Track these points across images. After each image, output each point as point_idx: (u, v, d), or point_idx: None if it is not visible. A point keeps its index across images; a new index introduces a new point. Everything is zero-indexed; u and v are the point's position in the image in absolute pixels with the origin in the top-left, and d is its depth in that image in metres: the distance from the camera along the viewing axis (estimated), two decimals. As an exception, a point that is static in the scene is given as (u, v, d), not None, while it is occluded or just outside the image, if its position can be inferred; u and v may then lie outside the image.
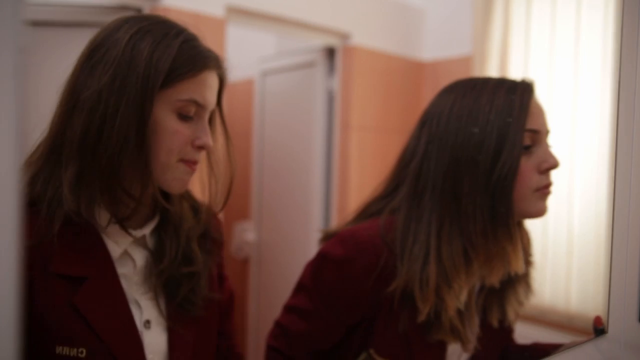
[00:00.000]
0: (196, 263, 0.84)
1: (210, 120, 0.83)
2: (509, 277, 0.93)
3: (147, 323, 0.81)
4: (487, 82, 0.91)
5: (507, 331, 1.03)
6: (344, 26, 2.37)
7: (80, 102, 0.74)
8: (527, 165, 0.87)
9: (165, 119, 0.75)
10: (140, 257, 0.82)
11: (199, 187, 0.87)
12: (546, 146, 0.90)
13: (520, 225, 0.97)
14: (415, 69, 2.62)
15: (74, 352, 0.74)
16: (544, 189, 0.89)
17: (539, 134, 0.89)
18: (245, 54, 2.84)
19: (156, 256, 0.82)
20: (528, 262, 0.99)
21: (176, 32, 0.78)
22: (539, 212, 0.90)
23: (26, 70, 0.34)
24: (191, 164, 0.78)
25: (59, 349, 0.74)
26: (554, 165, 0.89)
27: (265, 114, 2.83)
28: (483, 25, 2.37)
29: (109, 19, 0.85)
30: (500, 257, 0.88)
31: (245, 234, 2.88)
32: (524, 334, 1.12)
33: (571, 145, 2.02)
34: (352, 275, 0.91)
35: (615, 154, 1.16)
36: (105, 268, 0.78)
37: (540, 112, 0.90)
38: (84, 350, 0.74)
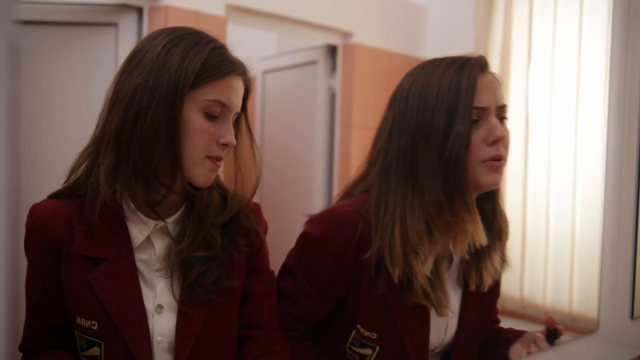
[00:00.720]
0: (213, 248, 0.90)
1: (237, 123, 0.91)
2: (483, 247, 0.98)
3: (160, 307, 0.88)
4: (441, 62, 0.96)
5: (491, 299, 1.08)
6: (345, 24, 2.36)
7: (118, 99, 0.82)
8: (475, 138, 0.91)
9: (193, 118, 0.83)
10: (161, 244, 0.89)
11: (226, 184, 0.95)
12: (494, 119, 0.93)
13: (493, 200, 1.01)
14: (417, 67, 2.61)
15: (88, 323, 0.85)
16: (493, 161, 0.92)
17: (487, 109, 0.93)
18: (247, 52, 2.83)
19: (177, 241, 0.89)
20: (503, 233, 1.03)
21: (207, 40, 0.86)
22: (490, 182, 0.94)
23: (19, 69, 0.34)
24: (216, 160, 0.86)
25: (78, 320, 0.85)
26: (500, 137, 0.92)
27: (266, 113, 2.82)
28: (485, 23, 2.36)
29: (110, 18, 0.88)
30: (460, 228, 0.93)
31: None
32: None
33: (574, 144, 2.01)
34: (332, 250, 0.97)
35: (606, 151, 1.15)
36: (124, 253, 0.86)
37: (488, 88, 0.93)
38: (96, 324, 0.84)
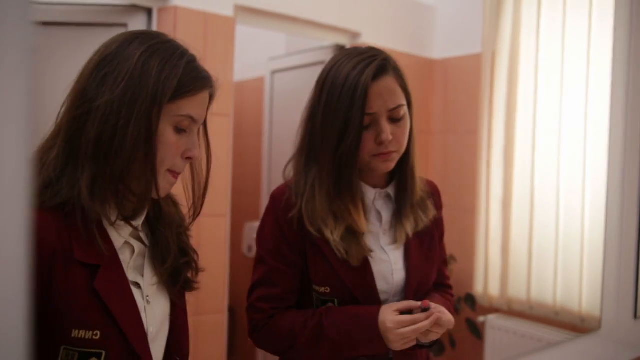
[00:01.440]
0: (189, 253, 0.99)
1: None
2: (399, 213, 1.16)
3: (147, 297, 0.91)
4: (350, 60, 1.10)
5: (429, 255, 1.21)
6: (354, 24, 2.37)
7: (93, 110, 0.81)
8: (366, 137, 1.07)
9: (164, 132, 0.85)
10: (137, 245, 0.92)
11: (181, 189, 0.97)
12: (383, 122, 1.06)
13: (407, 176, 1.16)
14: (425, 67, 2.61)
15: (89, 334, 0.80)
16: (382, 155, 1.08)
17: (377, 114, 1.06)
18: (255, 52, 2.84)
19: (156, 250, 0.94)
20: (416, 203, 1.18)
21: (181, 52, 0.87)
22: (382, 169, 1.11)
23: (35, 70, 0.34)
24: (176, 174, 0.89)
25: (74, 333, 0.80)
26: (384, 140, 1.06)
27: (274, 113, 2.83)
28: (493, 23, 2.35)
29: (119, 18, 0.88)
30: (346, 213, 1.09)
31: (255, 234, 2.88)
32: (537, 335, 1.13)
33: (582, 143, 2.00)
34: (278, 223, 1.13)
35: (609, 153, 1.15)
36: (112, 257, 0.86)
37: (380, 95, 1.06)
38: (99, 333, 0.81)
